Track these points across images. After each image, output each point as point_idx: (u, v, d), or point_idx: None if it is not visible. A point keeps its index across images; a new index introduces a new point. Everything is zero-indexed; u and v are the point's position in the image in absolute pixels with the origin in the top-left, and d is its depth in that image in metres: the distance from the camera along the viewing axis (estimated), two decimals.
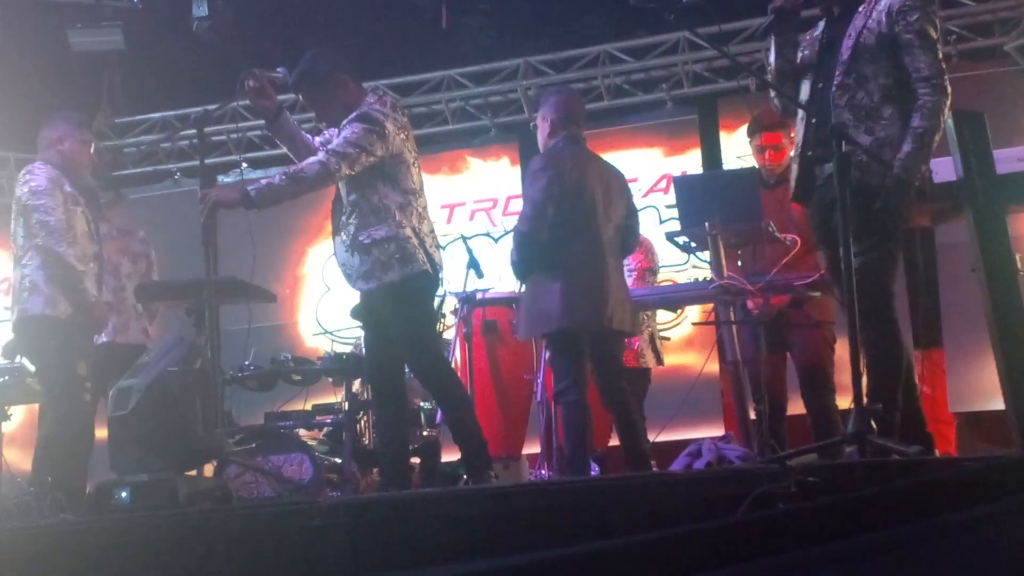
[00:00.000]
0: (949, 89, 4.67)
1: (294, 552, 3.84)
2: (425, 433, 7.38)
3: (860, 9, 4.73)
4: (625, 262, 7.11)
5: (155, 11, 10.84)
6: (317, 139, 5.65)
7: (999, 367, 4.21)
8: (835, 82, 4.69)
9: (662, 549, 3.27)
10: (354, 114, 5.37)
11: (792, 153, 4.93)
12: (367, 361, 5.65)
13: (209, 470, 5.19)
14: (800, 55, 4.89)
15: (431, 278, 5.47)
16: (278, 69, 5.51)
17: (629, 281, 7.06)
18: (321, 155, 5.28)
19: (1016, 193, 4.63)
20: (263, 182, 5.25)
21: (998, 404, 4.23)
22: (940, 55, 4.74)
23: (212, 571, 3.86)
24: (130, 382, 5.00)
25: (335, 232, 5.55)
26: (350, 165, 5.26)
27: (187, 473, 4.96)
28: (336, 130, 5.49)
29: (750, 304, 6.29)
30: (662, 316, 9.56)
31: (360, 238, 5.36)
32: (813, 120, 4.72)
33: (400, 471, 5.51)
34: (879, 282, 4.66)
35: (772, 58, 4.89)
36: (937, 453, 5.34)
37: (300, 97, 5.57)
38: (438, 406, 6.46)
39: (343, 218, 5.46)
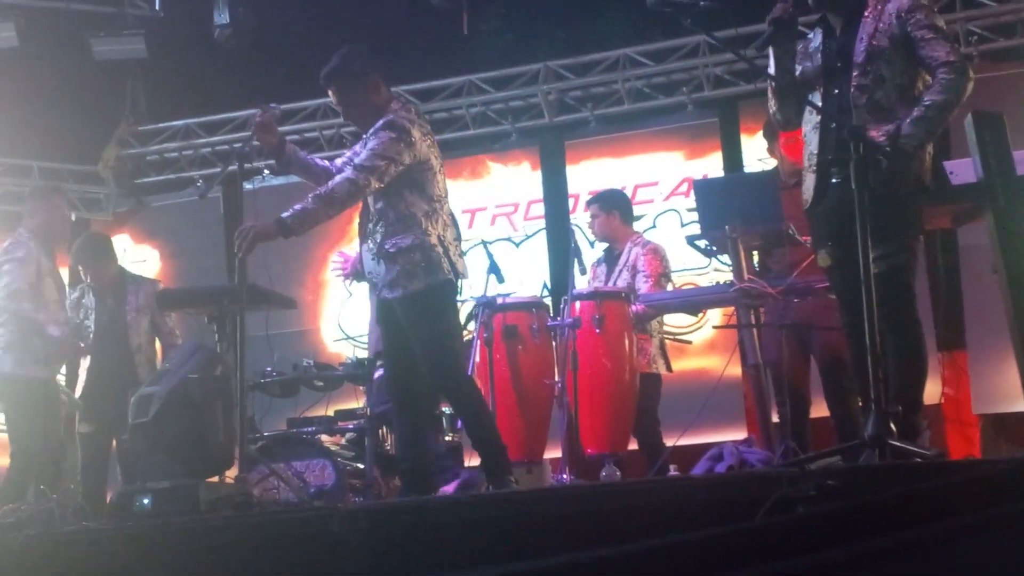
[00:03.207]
0: (971, 73, 4.68)
1: (314, 558, 3.86)
2: (448, 438, 7.39)
3: (867, 15, 4.76)
4: (640, 268, 7.15)
5: (177, 19, 10.89)
6: (339, 160, 5.67)
7: (1020, 367, 4.20)
8: (852, 84, 4.70)
9: (681, 553, 3.27)
10: (381, 122, 5.38)
11: (805, 164, 4.93)
12: (386, 368, 5.66)
13: (231, 476, 5.21)
14: (799, 68, 4.91)
15: (455, 287, 5.51)
16: (272, 104, 5.53)
17: (645, 287, 7.08)
18: (349, 171, 5.31)
19: None
20: (297, 207, 5.28)
21: (1022, 405, 4.22)
22: (954, 43, 4.77)
23: None
24: (151, 389, 5.03)
25: (362, 240, 5.57)
26: (379, 178, 5.29)
27: (208, 479, 4.98)
28: (360, 143, 5.52)
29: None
30: (683, 320, 9.58)
31: (386, 247, 5.38)
32: (833, 125, 4.71)
33: (421, 477, 5.51)
34: (905, 284, 4.68)
35: (772, 70, 4.90)
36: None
37: (329, 92, 5.57)
38: (456, 414, 6.48)
39: (370, 226, 5.48)
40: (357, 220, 5.62)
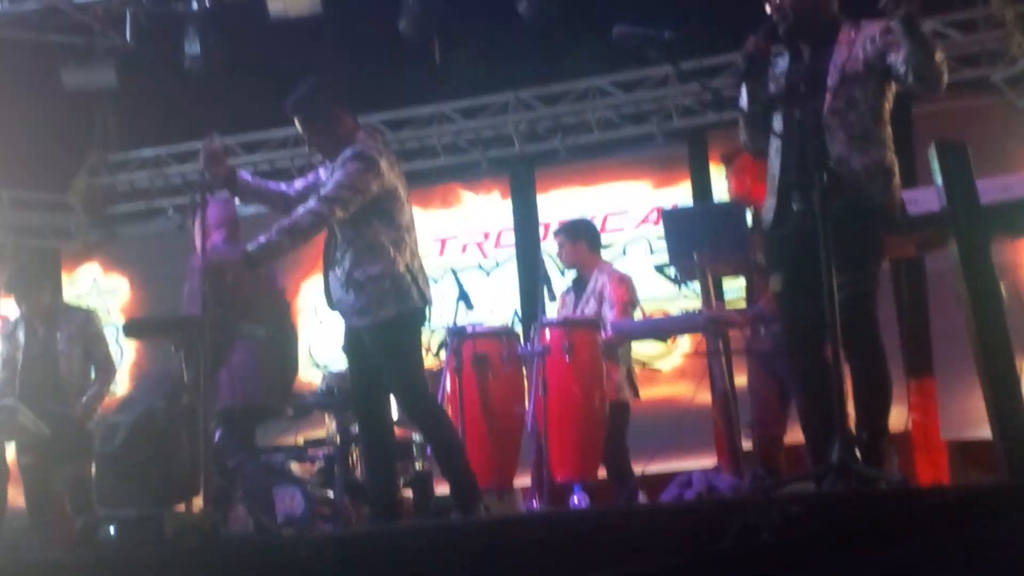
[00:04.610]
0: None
1: None
2: (418, 466, 7.38)
3: (840, 42, 4.77)
4: (606, 296, 7.17)
5: (147, 49, 10.88)
6: (298, 182, 5.67)
7: (985, 395, 4.23)
8: (825, 108, 4.71)
9: None
10: (348, 152, 5.38)
11: (768, 185, 4.94)
12: (353, 396, 5.68)
13: (197, 504, 5.19)
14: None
15: (423, 315, 5.51)
16: (214, 135, 5.53)
17: (612, 315, 7.10)
18: (313, 203, 5.31)
19: (1000, 223, 4.66)
20: (261, 239, 5.27)
21: (990, 432, 4.25)
22: None
23: None
24: (117, 418, 5.02)
25: (328, 267, 5.55)
26: (344, 208, 5.29)
27: (175, 508, 4.95)
28: (324, 169, 5.53)
29: None
30: (654, 347, 9.60)
31: (355, 275, 5.38)
32: (794, 150, 4.74)
33: (389, 504, 5.51)
34: (868, 311, 4.69)
35: (744, 103, 4.92)
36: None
37: (295, 121, 5.58)
38: (426, 442, 6.47)
39: (337, 254, 5.47)
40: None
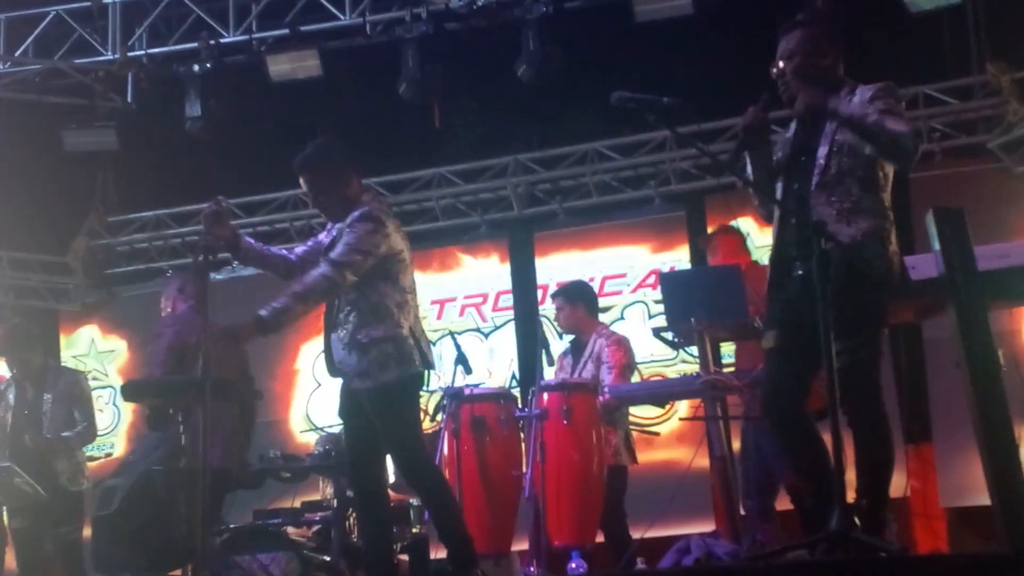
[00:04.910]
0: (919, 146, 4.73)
1: None
2: (415, 530, 7.34)
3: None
4: (604, 359, 7.17)
5: (148, 111, 10.95)
6: (299, 247, 5.68)
7: (984, 463, 4.21)
8: (814, 182, 4.70)
9: None
10: (357, 213, 5.41)
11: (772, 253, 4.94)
12: (349, 460, 5.66)
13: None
14: (776, 157, 4.93)
15: (423, 378, 5.51)
16: (220, 197, 5.55)
17: (609, 378, 7.10)
18: (324, 267, 5.31)
19: (997, 290, 4.66)
20: (276, 304, 5.24)
21: (989, 498, 4.22)
22: (912, 127, 4.79)
23: None
24: (114, 481, 5.01)
25: (331, 329, 5.54)
26: (355, 271, 5.31)
27: (172, 572, 4.94)
28: (326, 233, 5.55)
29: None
30: (651, 411, 9.59)
31: (358, 337, 5.38)
32: (792, 220, 4.74)
33: (385, 568, 5.48)
34: (868, 378, 4.65)
35: (749, 171, 4.92)
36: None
37: (302, 180, 5.59)
38: (424, 505, 6.45)
39: (340, 316, 5.47)
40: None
